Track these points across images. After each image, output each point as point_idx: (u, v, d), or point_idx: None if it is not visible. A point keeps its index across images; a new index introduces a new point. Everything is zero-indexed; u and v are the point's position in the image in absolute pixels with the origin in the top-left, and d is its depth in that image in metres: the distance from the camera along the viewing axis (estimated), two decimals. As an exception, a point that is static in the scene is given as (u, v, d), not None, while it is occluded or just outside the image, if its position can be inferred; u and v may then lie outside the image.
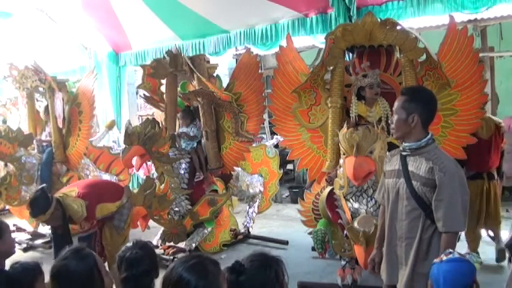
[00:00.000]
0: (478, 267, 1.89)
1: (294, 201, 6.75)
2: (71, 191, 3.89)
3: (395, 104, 2.38)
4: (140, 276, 2.03)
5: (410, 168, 2.33)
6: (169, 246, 5.04)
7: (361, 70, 3.96)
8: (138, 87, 5.49)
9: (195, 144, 5.18)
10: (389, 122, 2.29)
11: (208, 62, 5.53)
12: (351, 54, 4.30)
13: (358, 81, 3.93)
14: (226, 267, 1.65)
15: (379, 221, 2.66)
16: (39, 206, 3.58)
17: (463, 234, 4.91)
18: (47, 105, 5.95)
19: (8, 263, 2.29)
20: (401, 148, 2.41)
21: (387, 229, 2.48)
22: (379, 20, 3.74)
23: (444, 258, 1.86)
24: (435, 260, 1.90)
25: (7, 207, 6.26)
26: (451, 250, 1.90)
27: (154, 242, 5.16)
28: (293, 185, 8.23)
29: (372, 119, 3.86)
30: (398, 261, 2.42)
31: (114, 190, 4.20)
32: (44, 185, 4.12)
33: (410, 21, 4.83)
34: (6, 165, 5.64)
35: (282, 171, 6.15)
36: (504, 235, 4.20)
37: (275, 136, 6.05)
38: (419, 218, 2.31)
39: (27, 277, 1.89)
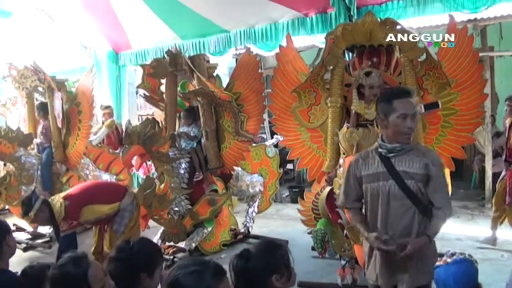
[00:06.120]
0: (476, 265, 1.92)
1: (294, 201, 6.74)
2: (65, 192, 4.06)
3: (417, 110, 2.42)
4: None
5: (401, 168, 2.31)
6: (169, 246, 5.04)
7: (366, 65, 3.91)
8: (138, 86, 5.48)
9: (195, 144, 5.18)
10: (408, 125, 2.29)
11: (208, 61, 5.53)
12: (350, 54, 4.30)
13: (360, 79, 3.83)
14: (234, 255, 1.78)
15: (357, 218, 2.56)
16: (24, 208, 3.86)
17: (457, 232, 5.21)
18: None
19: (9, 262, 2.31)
20: (380, 150, 2.38)
21: (381, 232, 2.41)
22: (379, 19, 3.73)
23: (449, 260, 1.84)
24: (438, 263, 1.89)
25: (7, 206, 6.25)
26: (452, 251, 1.89)
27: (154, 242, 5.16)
28: (293, 184, 8.23)
29: (370, 116, 3.86)
30: (397, 263, 2.38)
31: (112, 192, 4.19)
32: (35, 189, 4.28)
33: (410, 21, 4.84)
34: (5, 165, 5.64)
35: (281, 170, 6.14)
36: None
37: (275, 136, 6.04)
38: (414, 215, 2.33)
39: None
